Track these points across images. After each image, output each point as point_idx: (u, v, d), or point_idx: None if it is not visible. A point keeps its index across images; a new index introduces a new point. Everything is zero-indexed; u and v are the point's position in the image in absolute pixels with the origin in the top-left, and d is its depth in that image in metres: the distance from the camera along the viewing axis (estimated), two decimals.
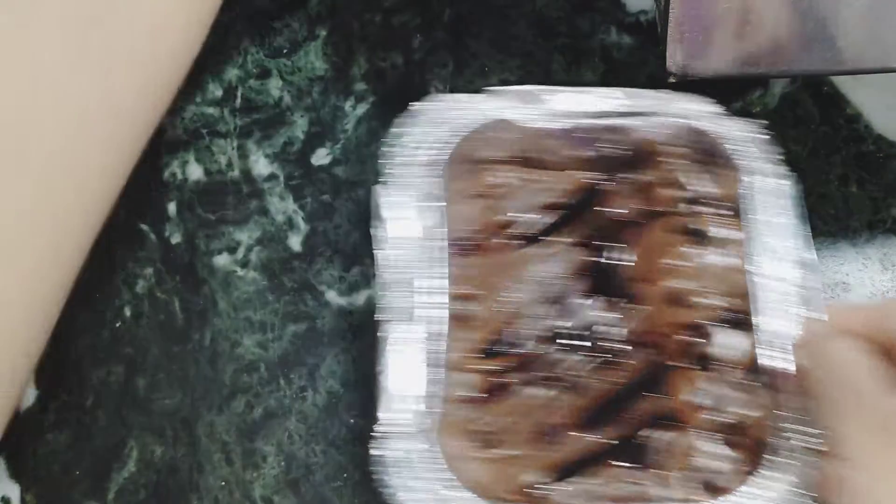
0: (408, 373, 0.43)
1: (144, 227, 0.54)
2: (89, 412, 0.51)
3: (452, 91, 0.52)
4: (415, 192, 0.46)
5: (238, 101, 0.57)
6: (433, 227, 0.46)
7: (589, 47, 0.57)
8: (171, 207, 0.54)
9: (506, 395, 0.46)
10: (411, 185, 0.46)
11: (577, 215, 0.48)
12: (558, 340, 0.46)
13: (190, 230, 0.54)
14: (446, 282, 0.45)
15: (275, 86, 0.57)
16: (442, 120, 0.48)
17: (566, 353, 0.46)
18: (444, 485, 0.42)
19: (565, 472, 0.44)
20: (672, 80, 0.52)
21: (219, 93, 0.57)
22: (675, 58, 0.51)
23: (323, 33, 0.58)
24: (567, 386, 0.46)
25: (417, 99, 0.55)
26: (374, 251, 0.45)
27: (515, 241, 0.48)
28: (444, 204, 0.47)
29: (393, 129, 0.47)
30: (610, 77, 0.56)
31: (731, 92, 0.49)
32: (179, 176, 0.55)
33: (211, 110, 0.57)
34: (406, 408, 0.43)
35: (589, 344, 0.46)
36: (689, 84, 0.52)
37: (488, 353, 0.46)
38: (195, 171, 0.55)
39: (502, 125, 0.48)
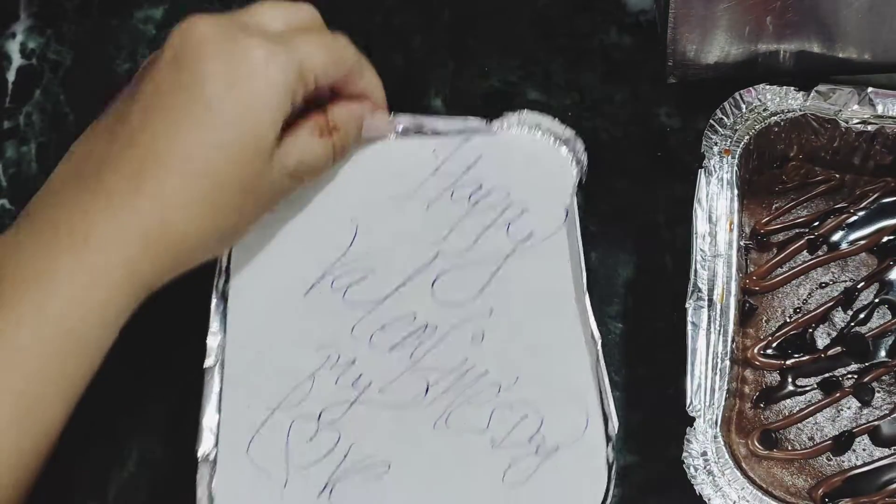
0: (707, 363, 0.43)
1: None
2: (89, 412, 0.50)
3: (452, 91, 0.52)
4: (727, 185, 0.47)
5: None
6: (731, 219, 0.46)
7: (589, 47, 0.57)
8: None
9: (792, 394, 0.46)
10: (722, 176, 0.47)
11: (872, 220, 0.49)
12: (849, 345, 0.46)
13: None
14: (737, 273, 0.45)
15: None
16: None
17: (855, 359, 0.46)
18: (728, 481, 0.42)
19: (853, 483, 0.44)
20: (672, 80, 0.52)
21: None
22: (675, 58, 0.51)
23: None
24: (855, 393, 0.46)
25: (418, 99, 0.55)
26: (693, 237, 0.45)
27: (810, 241, 0.48)
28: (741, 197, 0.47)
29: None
30: (610, 77, 0.56)
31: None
32: None
33: None
34: (705, 400, 0.43)
35: (883, 353, 0.46)
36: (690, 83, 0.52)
37: (777, 350, 0.47)
38: None
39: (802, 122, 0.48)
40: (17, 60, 0.59)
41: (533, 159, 0.49)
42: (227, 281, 0.47)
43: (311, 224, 0.48)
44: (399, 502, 0.43)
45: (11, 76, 0.58)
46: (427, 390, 0.44)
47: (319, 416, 0.44)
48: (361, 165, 0.49)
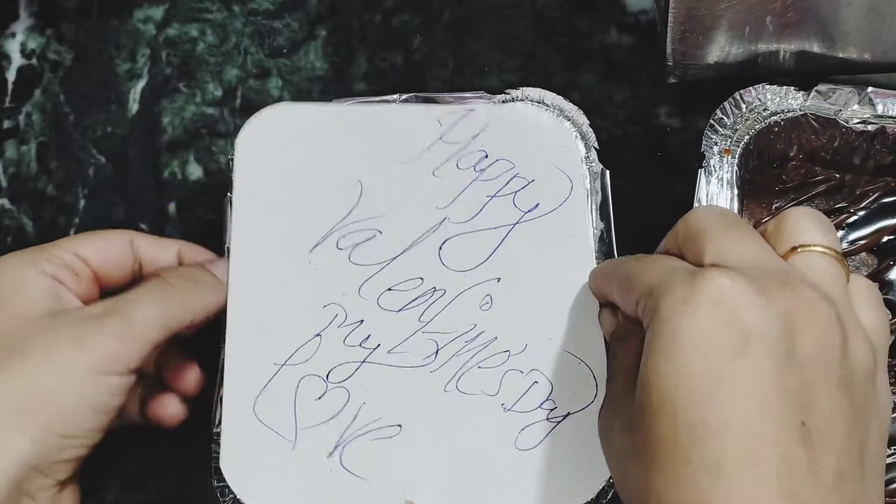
0: None
1: (144, 227, 0.54)
2: None
3: (452, 90, 0.52)
4: (727, 185, 0.47)
5: (238, 101, 0.57)
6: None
7: (589, 47, 0.57)
8: (171, 207, 0.54)
9: None
10: (722, 176, 0.47)
11: (872, 220, 0.49)
12: None
13: (190, 230, 0.54)
14: None
15: (275, 86, 0.57)
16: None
17: None
18: None
19: None
20: (672, 80, 0.52)
21: (219, 93, 0.57)
22: (675, 58, 0.51)
23: (323, 33, 0.58)
24: None
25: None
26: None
27: None
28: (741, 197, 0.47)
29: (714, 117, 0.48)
30: (610, 77, 0.56)
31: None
32: (179, 176, 0.55)
33: (211, 110, 0.57)
34: None
35: None
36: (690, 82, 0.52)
37: None
38: (195, 171, 0.55)
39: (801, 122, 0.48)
40: (17, 60, 0.59)
41: (538, 131, 0.50)
42: (229, 239, 0.47)
43: (316, 183, 0.48)
44: (410, 465, 0.43)
45: (11, 76, 0.58)
46: (436, 353, 0.45)
47: (328, 375, 0.44)
48: (365, 129, 0.50)
